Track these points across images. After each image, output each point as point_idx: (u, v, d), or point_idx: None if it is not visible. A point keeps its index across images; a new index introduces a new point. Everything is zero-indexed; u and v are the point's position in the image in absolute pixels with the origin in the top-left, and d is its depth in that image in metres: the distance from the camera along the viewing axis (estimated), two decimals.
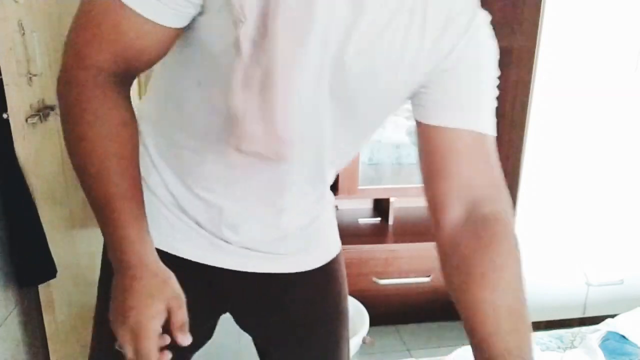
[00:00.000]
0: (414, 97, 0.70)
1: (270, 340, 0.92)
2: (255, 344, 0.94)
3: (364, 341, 1.35)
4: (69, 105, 0.64)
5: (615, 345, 1.17)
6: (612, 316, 1.31)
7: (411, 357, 1.95)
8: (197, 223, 0.78)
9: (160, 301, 0.61)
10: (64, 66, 0.64)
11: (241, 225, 0.77)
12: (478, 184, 0.70)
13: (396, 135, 2.18)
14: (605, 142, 1.91)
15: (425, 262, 2.08)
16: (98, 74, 0.62)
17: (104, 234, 0.67)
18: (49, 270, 1.38)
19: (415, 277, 2.08)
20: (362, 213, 2.39)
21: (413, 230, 2.21)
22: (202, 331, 0.85)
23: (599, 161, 1.93)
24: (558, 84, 1.81)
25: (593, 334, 1.22)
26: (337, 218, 1.66)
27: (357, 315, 1.42)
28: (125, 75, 0.66)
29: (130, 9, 0.59)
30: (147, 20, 0.61)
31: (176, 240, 0.78)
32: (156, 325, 0.61)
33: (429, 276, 2.08)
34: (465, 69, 0.69)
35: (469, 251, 0.69)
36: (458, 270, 0.71)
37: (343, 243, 1.83)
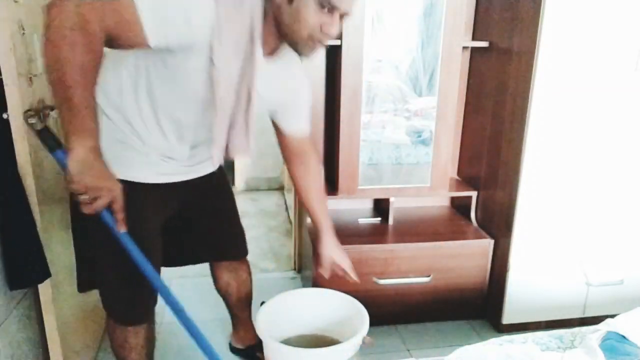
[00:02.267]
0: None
1: (200, 208, 1.54)
2: (187, 220, 1.53)
3: (363, 341, 1.35)
4: (60, 34, 0.93)
5: (615, 345, 1.17)
6: (612, 316, 1.31)
7: (411, 357, 1.95)
8: (165, 158, 1.32)
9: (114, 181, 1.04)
10: (63, 10, 0.92)
11: (188, 155, 1.36)
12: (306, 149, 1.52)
13: (396, 135, 2.18)
14: (605, 142, 1.91)
15: (425, 262, 2.08)
16: (88, 30, 0.95)
17: (67, 126, 0.97)
18: (41, 273, 1.37)
19: (415, 277, 2.08)
20: (362, 213, 2.39)
21: (413, 230, 2.21)
22: (159, 236, 1.38)
23: (599, 161, 1.93)
24: (558, 84, 1.81)
25: (593, 334, 1.22)
26: (337, 218, 1.70)
27: (357, 315, 1.42)
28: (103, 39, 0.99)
29: (138, 15, 0.98)
30: (142, 29, 0.99)
31: (152, 173, 1.31)
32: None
33: (429, 276, 2.08)
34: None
35: (297, 166, 1.55)
36: (294, 173, 1.56)
37: (343, 243, 1.83)
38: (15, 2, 1.26)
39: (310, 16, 1.09)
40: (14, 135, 1.28)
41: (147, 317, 1.42)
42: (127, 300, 1.35)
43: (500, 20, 2.03)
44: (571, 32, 1.76)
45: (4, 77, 1.24)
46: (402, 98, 2.14)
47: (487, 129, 2.16)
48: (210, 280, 1.77)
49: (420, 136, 2.19)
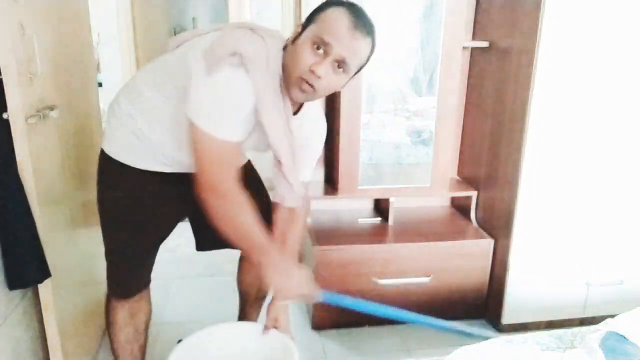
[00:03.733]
0: None
1: None
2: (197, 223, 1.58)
3: None
4: (226, 208, 1.18)
5: (615, 345, 1.17)
6: (612, 316, 1.31)
7: (411, 357, 1.95)
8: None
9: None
10: (210, 184, 1.16)
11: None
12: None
13: (396, 135, 2.19)
14: (605, 141, 1.91)
15: (425, 262, 2.08)
16: (233, 183, 1.18)
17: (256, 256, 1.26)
18: (41, 273, 1.37)
19: (415, 277, 2.08)
20: (362, 213, 2.39)
21: (413, 230, 2.21)
22: (172, 220, 1.48)
23: (599, 161, 1.93)
24: (558, 84, 1.81)
25: (593, 334, 1.22)
26: (337, 218, 1.69)
27: (286, 354, 1.34)
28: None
29: (227, 141, 1.14)
30: (235, 144, 1.16)
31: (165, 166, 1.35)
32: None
33: (429, 276, 2.08)
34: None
35: (285, 222, 1.50)
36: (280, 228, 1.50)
37: (343, 243, 1.82)
38: (15, 2, 1.26)
39: (304, 56, 1.08)
40: (14, 135, 1.28)
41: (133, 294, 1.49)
42: (124, 279, 1.47)
43: (500, 20, 2.03)
44: (571, 32, 1.76)
45: (3, 77, 1.24)
46: (402, 98, 2.14)
47: (487, 129, 2.16)
48: (210, 280, 1.77)
49: (420, 136, 2.19)
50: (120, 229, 1.38)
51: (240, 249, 1.29)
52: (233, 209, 1.18)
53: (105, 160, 1.34)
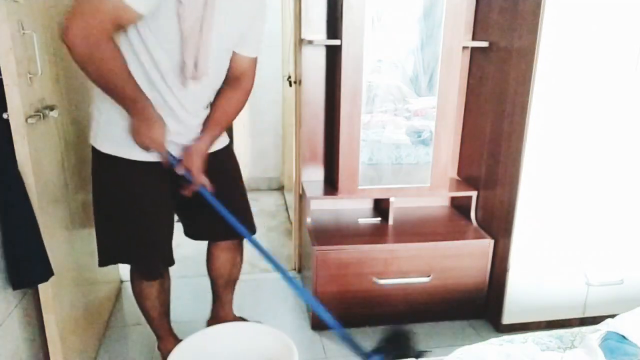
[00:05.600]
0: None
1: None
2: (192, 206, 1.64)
3: None
4: (91, 50, 1.20)
5: (615, 345, 1.17)
6: (612, 316, 1.31)
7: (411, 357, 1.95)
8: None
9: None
10: (76, 27, 1.17)
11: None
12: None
13: (396, 135, 2.18)
14: (605, 142, 1.91)
15: (425, 262, 2.08)
16: (105, 34, 1.21)
17: (128, 109, 1.35)
18: (44, 272, 1.37)
19: (415, 277, 2.08)
20: (362, 213, 2.39)
21: (413, 230, 2.21)
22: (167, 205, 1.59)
23: (599, 161, 1.93)
24: (558, 83, 1.81)
25: (593, 334, 1.22)
26: (337, 218, 1.67)
27: (286, 353, 1.34)
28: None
29: (126, 3, 1.20)
30: (133, 10, 1.21)
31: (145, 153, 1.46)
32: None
33: (429, 276, 2.08)
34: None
35: (226, 88, 1.59)
36: (220, 94, 1.59)
37: (343, 243, 1.82)
38: (15, 2, 1.26)
39: None
40: (14, 135, 1.28)
41: (160, 275, 1.68)
42: (147, 262, 1.60)
43: (500, 20, 2.03)
44: (571, 32, 1.76)
45: (4, 77, 1.24)
46: (402, 98, 2.14)
47: (487, 128, 2.16)
48: (209, 280, 1.78)
49: (420, 136, 2.19)
50: (124, 213, 1.50)
51: (115, 100, 1.33)
52: (107, 58, 1.23)
53: (95, 152, 1.48)
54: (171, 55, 1.35)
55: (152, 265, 1.62)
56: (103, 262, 1.57)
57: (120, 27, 1.26)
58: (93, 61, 1.22)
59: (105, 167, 1.48)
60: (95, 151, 1.47)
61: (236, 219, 1.53)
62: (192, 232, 1.78)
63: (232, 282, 1.87)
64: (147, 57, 1.34)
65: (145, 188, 1.51)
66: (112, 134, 1.43)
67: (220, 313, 1.92)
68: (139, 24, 1.29)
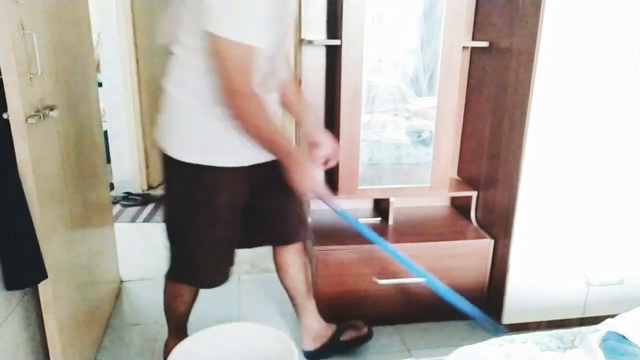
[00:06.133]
0: None
1: (270, 191, 1.60)
2: (260, 209, 1.63)
3: None
4: (250, 110, 1.32)
5: (615, 345, 1.17)
6: (612, 316, 1.31)
7: (411, 357, 1.96)
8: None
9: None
10: (234, 88, 1.28)
11: None
12: None
13: (396, 135, 2.18)
14: (606, 141, 1.91)
15: (425, 262, 2.07)
16: (254, 88, 1.31)
17: (282, 157, 1.43)
18: (38, 273, 1.37)
19: (415, 277, 2.08)
20: (362, 213, 2.39)
21: (413, 230, 2.21)
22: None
23: (599, 161, 1.93)
24: (558, 83, 1.81)
25: (593, 334, 1.21)
26: (338, 218, 1.67)
27: (286, 353, 1.35)
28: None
29: (250, 47, 1.26)
30: (257, 51, 1.28)
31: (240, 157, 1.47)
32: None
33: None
34: None
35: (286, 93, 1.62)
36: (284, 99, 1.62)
37: (343, 243, 1.81)
38: (15, 2, 1.26)
39: None
40: (14, 135, 1.28)
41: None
42: (216, 270, 1.58)
43: (500, 20, 2.03)
44: (571, 32, 1.76)
45: (4, 77, 1.24)
46: (402, 98, 2.14)
47: (487, 128, 2.16)
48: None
49: (420, 136, 2.19)
50: (209, 227, 1.50)
51: (267, 150, 1.41)
52: (256, 110, 1.32)
53: (175, 164, 1.43)
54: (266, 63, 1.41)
55: (219, 284, 1.59)
56: (173, 277, 1.60)
57: (253, 65, 1.32)
58: (251, 113, 1.32)
59: (188, 177, 1.43)
60: (175, 163, 1.42)
61: (304, 224, 1.72)
62: (252, 239, 1.71)
63: (309, 284, 1.84)
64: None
65: (234, 196, 1.50)
66: (200, 143, 1.41)
67: (313, 325, 1.88)
68: None
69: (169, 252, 1.57)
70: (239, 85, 1.27)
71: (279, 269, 1.79)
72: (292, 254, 1.77)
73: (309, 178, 1.44)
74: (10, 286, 1.33)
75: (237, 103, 1.30)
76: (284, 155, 1.41)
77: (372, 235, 1.62)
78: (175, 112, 1.41)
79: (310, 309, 1.85)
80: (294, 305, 1.86)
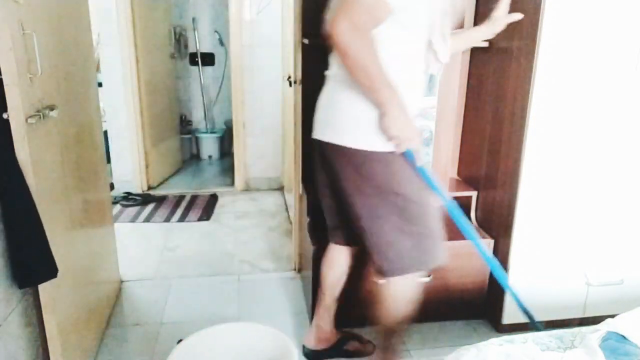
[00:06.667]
0: None
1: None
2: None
3: None
4: (363, 45, 1.30)
5: (615, 345, 1.17)
6: (612, 316, 1.31)
7: (411, 357, 1.96)
8: None
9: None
10: (343, 21, 1.27)
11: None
12: None
13: None
14: (605, 141, 1.91)
15: None
16: (366, 27, 1.31)
17: (382, 102, 1.37)
18: (49, 271, 1.37)
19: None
20: None
21: None
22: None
23: (599, 161, 1.93)
24: (558, 83, 1.81)
25: (593, 334, 1.22)
26: None
27: (285, 353, 1.35)
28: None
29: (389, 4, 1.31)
30: (387, 5, 1.31)
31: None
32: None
33: (429, 276, 2.08)
34: None
35: None
36: None
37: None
38: (15, 2, 1.26)
39: None
40: (14, 135, 1.28)
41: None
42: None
43: None
44: (571, 32, 1.76)
45: (4, 77, 1.24)
46: None
47: (487, 129, 2.16)
48: (210, 280, 1.78)
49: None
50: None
51: (368, 92, 1.38)
52: (368, 50, 1.31)
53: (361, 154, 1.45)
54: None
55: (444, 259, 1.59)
56: (396, 272, 1.57)
57: (379, 22, 1.34)
58: (356, 51, 1.31)
59: (381, 165, 1.46)
60: (360, 154, 1.45)
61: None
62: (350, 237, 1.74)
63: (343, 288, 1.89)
64: (405, 47, 1.43)
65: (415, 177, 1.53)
66: (375, 129, 1.42)
67: (326, 327, 1.92)
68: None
69: (382, 253, 1.56)
70: (358, 22, 1.28)
71: (338, 265, 1.82)
72: (351, 258, 1.80)
73: (405, 124, 1.39)
74: (22, 284, 1.33)
75: (351, 38, 1.29)
76: (383, 99, 1.36)
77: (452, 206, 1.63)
78: (351, 101, 1.45)
79: (331, 312, 1.88)
80: (319, 300, 1.87)
